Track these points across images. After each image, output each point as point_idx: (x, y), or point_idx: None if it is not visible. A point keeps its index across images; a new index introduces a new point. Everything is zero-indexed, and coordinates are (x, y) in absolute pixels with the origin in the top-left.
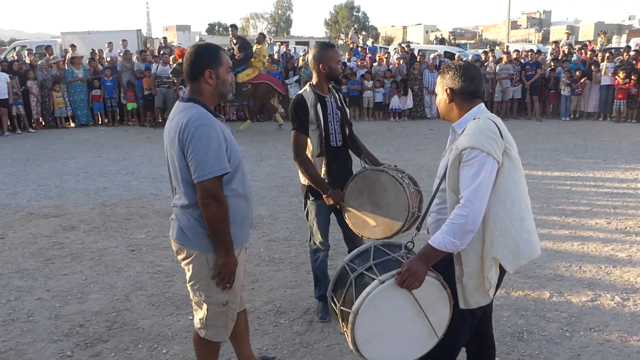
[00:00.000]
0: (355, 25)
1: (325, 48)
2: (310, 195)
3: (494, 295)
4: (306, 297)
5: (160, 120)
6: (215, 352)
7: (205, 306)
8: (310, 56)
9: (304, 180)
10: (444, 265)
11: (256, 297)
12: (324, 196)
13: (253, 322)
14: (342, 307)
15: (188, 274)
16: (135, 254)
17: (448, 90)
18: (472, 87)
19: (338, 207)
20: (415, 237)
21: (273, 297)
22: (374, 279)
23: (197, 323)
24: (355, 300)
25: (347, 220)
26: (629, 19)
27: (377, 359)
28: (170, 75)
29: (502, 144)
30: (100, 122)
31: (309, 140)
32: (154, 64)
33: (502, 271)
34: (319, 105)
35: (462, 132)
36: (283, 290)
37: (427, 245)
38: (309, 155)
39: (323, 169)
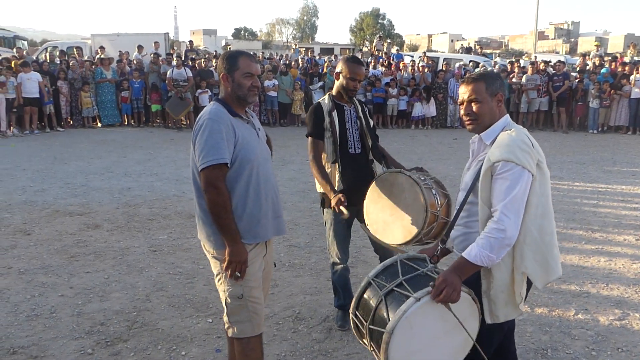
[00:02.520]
0: (381, 33)
1: (346, 61)
2: (324, 205)
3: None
4: (326, 304)
5: (184, 123)
6: (257, 347)
7: (224, 301)
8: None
9: (319, 188)
10: (473, 280)
11: (275, 303)
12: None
13: (272, 327)
14: (370, 326)
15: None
16: (157, 255)
17: (500, 96)
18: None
19: (337, 210)
20: (440, 250)
21: (292, 303)
22: (407, 296)
23: (225, 322)
24: (389, 318)
25: (369, 228)
26: None
27: None
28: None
29: (535, 156)
30: (126, 123)
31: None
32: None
33: (528, 285)
34: (334, 113)
35: (491, 142)
36: (302, 297)
37: (460, 258)
38: (324, 162)
39: (337, 175)
